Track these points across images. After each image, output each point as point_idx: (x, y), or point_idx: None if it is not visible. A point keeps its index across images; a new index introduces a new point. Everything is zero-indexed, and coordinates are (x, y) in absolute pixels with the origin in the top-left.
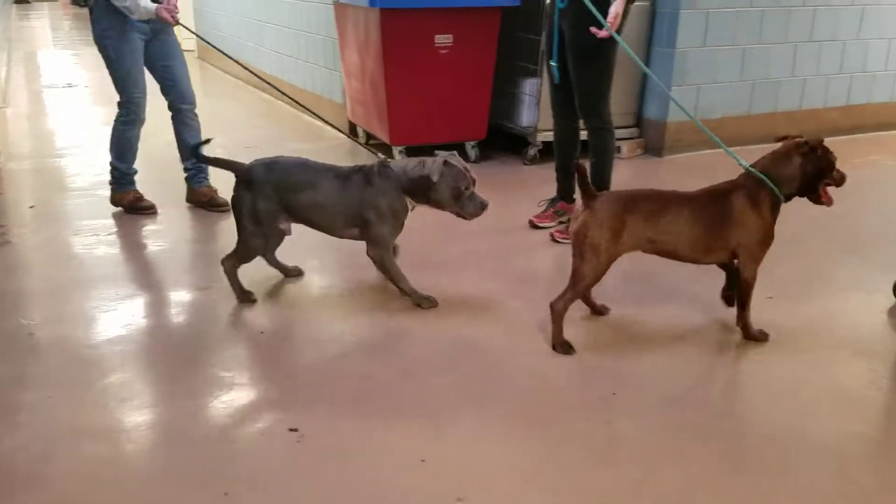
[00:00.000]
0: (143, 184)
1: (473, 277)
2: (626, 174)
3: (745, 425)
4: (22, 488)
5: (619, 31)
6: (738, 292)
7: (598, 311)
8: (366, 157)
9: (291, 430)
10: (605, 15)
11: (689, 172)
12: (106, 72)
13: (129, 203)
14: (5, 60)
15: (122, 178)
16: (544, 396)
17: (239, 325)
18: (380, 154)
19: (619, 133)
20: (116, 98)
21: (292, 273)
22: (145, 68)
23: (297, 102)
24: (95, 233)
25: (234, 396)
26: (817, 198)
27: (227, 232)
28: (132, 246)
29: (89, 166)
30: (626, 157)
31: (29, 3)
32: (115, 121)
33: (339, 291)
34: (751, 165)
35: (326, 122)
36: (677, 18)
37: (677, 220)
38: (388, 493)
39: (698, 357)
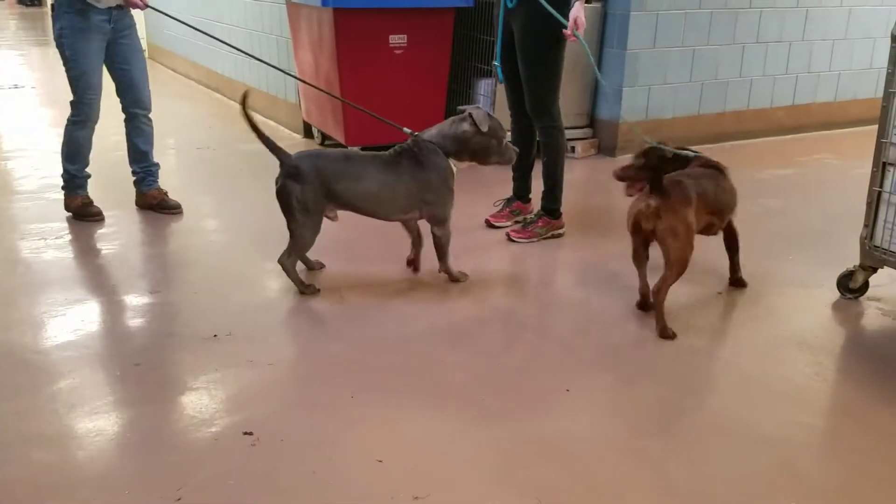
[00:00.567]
0: (91, 185)
1: (429, 277)
2: (581, 174)
3: (690, 417)
4: None
5: (559, 34)
6: None
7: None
8: None
9: (246, 433)
10: (561, 15)
11: None
12: (54, 72)
13: (77, 208)
14: None
15: (70, 181)
16: (498, 394)
17: (191, 329)
18: (406, 128)
19: (572, 133)
20: (65, 99)
21: (314, 266)
22: (105, 68)
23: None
24: (43, 237)
25: (186, 401)
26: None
27: (178, 234)
28: (81, 250)
29: (36, 169)
30: (580, 156)
31: None
32: (67, 120)
33: (293, 293)
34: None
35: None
36: (628, 20)
37: None
38: (344, 494)
39: (644, 349)
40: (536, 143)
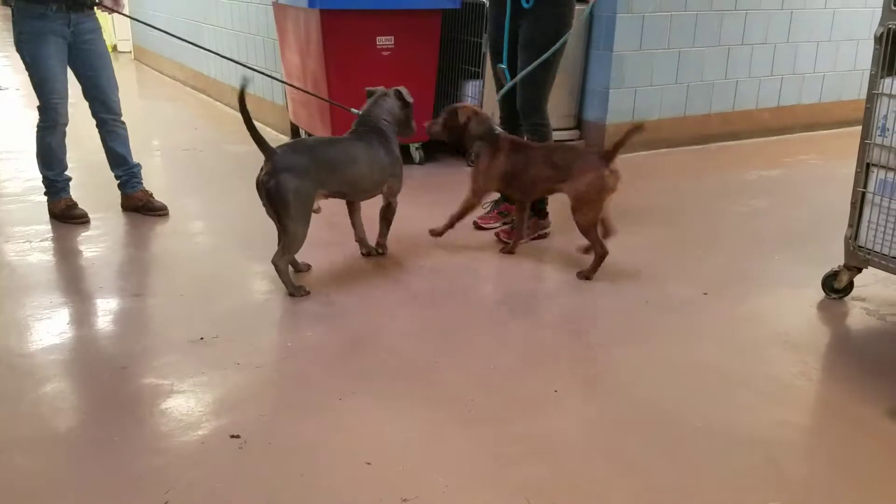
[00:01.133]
0: (78, 188)
1: (417, 279)
2: None
3: (675, 417)
4: None
5: (566, 29)
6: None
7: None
8: None
9: (233, 436)
10: (566, 14)
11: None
12: None
13: (61, 211)
14: None
15: (51, 186)
16: (487, 395)
17: (177, 331)
18: (353, 109)
19: (560, 135)
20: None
21: (302, 269)
22: (72, 75)
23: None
24: (28, 239)
25: (172, 404)
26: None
27: (163, 236)
28: (66, 252)
29: (20, 171)
30: None
31: None
32: (37, 127)
33: (280, 295)
34: None
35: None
36: (614, 22)
37: None
38: (332, 497)
39: (632, 350)
40: None
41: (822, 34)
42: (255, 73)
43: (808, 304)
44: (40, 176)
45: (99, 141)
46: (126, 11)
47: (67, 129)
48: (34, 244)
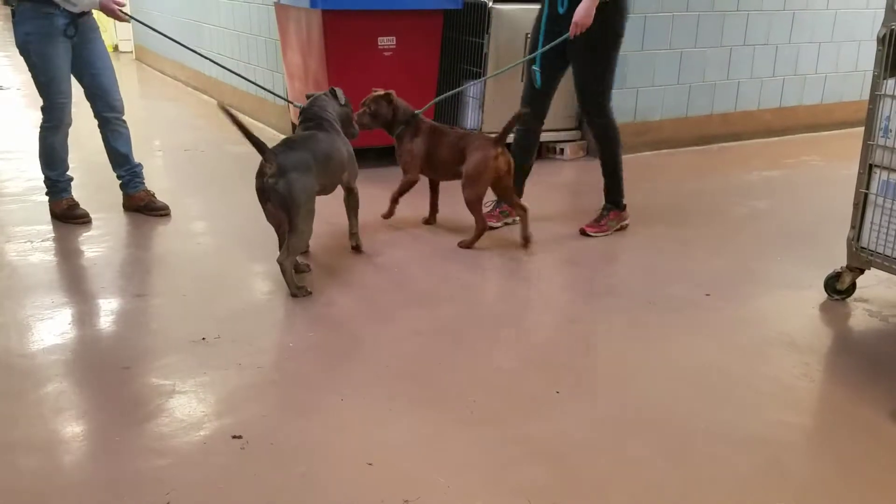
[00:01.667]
0: (79, 189)
1: (418, 280)
2: (569, 175)
3: (677, 418)
4: None
5: (608, 29)
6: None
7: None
8: None
9: (235, 437)
10: (608, 19)
11: (630, 173)
12: None
13: (62, 211)
14: None
15: (53, 186)
16: (488, 396)
17: (179, 332)
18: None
19: (561, 135)
20: (42, 103)
21: (303, 269)
22: (71, 75)
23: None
24: (29, 239)
25: (174, 404)
26: None
27: (165, 236)
28: (68, 253)
29: (22, 171)
30: (568, 158)
31: None
32: (40, 127)
33: (282, 295)
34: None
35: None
36: None
37: None
38: (334, 497)
39: (632, 351)
40: (536, 150)
41: (824, 35)
42: (253, 73)
43: (810, 305)
44: (42, 176)
45: (100, 141)
46: (128, 10)
47: (69, 129)
48: (35, 244)
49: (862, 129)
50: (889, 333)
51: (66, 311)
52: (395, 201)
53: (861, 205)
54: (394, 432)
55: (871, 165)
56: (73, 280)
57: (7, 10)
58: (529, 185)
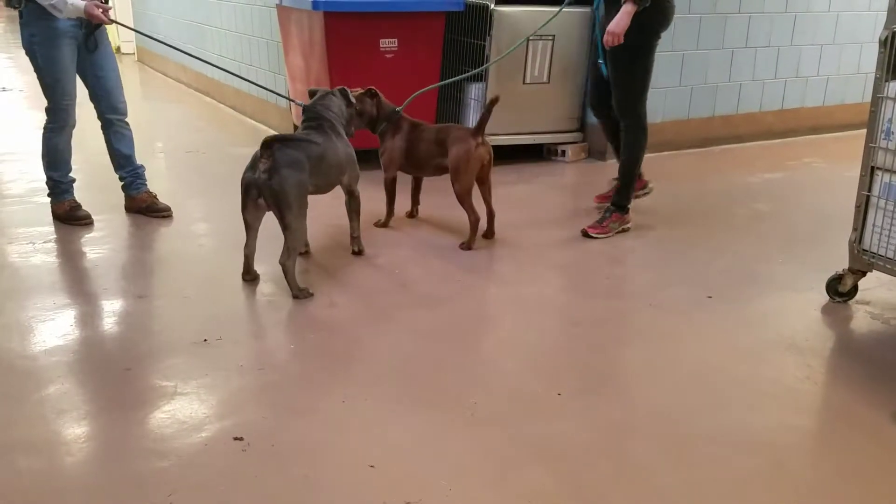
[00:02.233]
0: (82, 190)
1: (419, 281)
2: (571, 177)
3: (679, 420)
4: None
5: (644, 31)
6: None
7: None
8: None
9: (236, 438)
10: (652, 15)
11: None
12: None
13: (65, 213)
14: None
15: (55, 187)
16: (490, 398)
17: (181, 333)
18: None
19: (563, 137)
20: (46, 104)
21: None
22: (77, 76)
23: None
24: (31, 241)
25: (176, 406)
26: None
27: (167, 238)
28: (70, 254)
29: (24, 173)
30: (570, 160)
31: None
32: (44, 128)
33: (283, 297)
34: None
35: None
36: None
37: None
38: (336, 499)
39: (634, 354)
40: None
41: (826, 37)
42: (255, 74)
43: (812, 307)
44: (44, 177)
45: (103, 143)
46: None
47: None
48: (37, 246)
49: (864, 131)
50: (891, 336)
51: (68, 313)
52: (390, 204)
53: (863, 207)
54: (395, 434)
55: (872, 168)
56: (75, 281)
57: (10, 13)
58: (530, 187)
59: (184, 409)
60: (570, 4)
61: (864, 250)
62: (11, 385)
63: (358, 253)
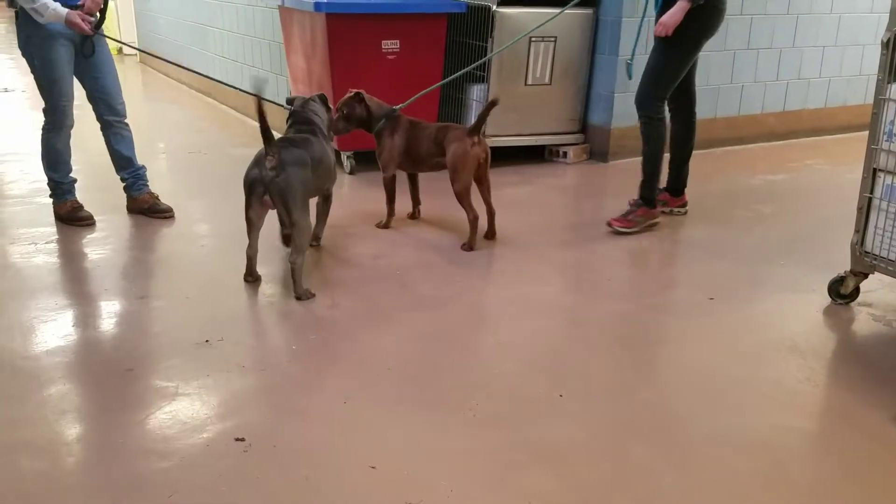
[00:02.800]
0: (83, 190)
1: (420, 283)
2: (573, 179)
3: (681, 422)
4: None
5: (690, 27)
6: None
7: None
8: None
9: (238, 439)
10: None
11: (633, 176)
12: None
13: (67, 213)
14: None
15: (56, 188)
16: (492, 399)
17: (182, 334)
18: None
19: (564, 139)
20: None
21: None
22: (74, 78)
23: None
24: (33, 241)
25: (177, 407)
26: None
27: (169, 238)
28: (72, 255)
29: (26, 173)
30: (571, 162)
31: None
32: (42, 129)
33: (284, 298)
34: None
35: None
36: (620, 26)
37: None
38: (337, 500)
39: (635, 355)
40: (693, 135)
41: (828, 39)
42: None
43: (814, 309)
44: (45, 178)
45: (104, 143)
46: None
47: (72, 131)
48: (39, 246)
49: (866, 133)
50: (893, 338)
51: (70, 313)
52: (391, 204)
53: (865, 209)
54: (396, 435)
55: (875, 169)
56: (77, 282)
57: (12, 13)
58: (531, 189)
59: (185, 410)
60: (573, 6)
61: (866, 252)
62: (13, 385)
63: (314, 245)
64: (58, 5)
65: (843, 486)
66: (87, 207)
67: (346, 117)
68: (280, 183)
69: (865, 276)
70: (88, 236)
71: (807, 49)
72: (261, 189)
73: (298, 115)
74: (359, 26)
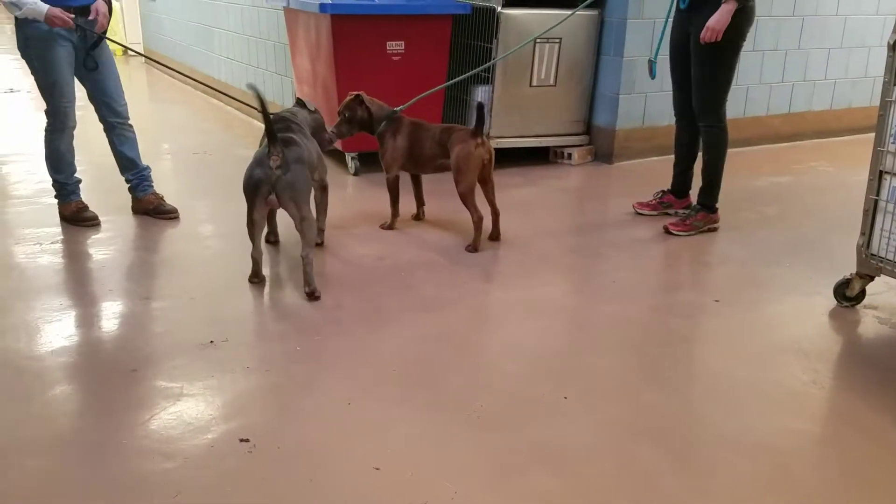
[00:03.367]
0: (88, 191)
1: (425, 284)
2: (577, 180)
3: (685, 424)
4: None
5: (730, 32)
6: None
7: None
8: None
9: (242, 440)
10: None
11: (638, 178)
12: None
13: (72, 214)
14: None
15: (61, 189)
16: (496, 400)
17: (187, 335)
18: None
19: (569, 140)
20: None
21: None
22: (76, 79)
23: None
24: (38, 241)
25: (182, 407)
26: None
27: (174, 239)
28: (77, 255)
29: (31, 174)
30: (576, 163)
31: None
32: (45, 131)
33: (289, 299)
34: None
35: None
36: (625, 27)
37: None
38: (341, 502)
39: (639, 355)
40: (699, 143)
41: (834, 41)
42: (262, 77)
43: (819, 311)
44: (50, 179)
45: (105, 145)
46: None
47: (76, 132)
48: (44, 246)
49: (872, 135)
50: None
51: (75, 314)
52: (395, 205)
53: (871, 211)
54: (401, 436)
55: (881, 172)
56: (82, 282)
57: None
58: (536, 190)
59: (190, 411)
60: (583, 7)
61: (872, 255)
62: (17, 385)
63: (319, 244)
64: (38, 1)
65: (848, 489)
66: (92, 208)
67: (348, 120)
68: (289, 180)
69: (871, 278)
70: (93, 237)
71: (812, 51)
72: (266, 188)
73: (279, 122)
74: (364, 27)
